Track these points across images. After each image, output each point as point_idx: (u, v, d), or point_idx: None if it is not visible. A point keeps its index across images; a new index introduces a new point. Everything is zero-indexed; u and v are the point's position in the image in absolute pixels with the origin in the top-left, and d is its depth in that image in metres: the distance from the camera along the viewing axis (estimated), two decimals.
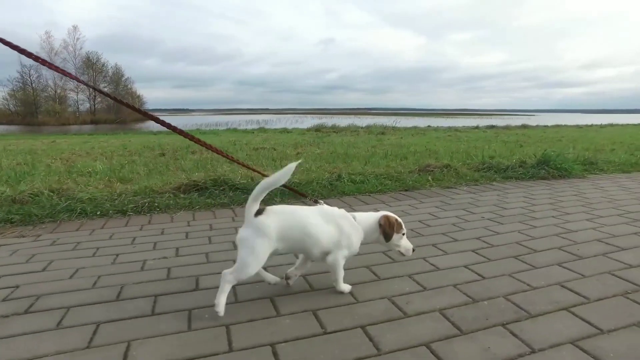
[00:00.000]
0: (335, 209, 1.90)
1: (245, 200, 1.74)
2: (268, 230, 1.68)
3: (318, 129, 16.77)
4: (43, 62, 1.73)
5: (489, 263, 2.31)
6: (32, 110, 48.40)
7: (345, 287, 1.92)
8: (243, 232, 1.70)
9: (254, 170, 2.18)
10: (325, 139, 12.01)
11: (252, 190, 1.71)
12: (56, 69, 1.81)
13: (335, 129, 16.45)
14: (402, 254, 1.99)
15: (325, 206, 1.91)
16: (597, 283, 2.03)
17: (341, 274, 1.89)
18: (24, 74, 50.04)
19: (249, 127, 23.36)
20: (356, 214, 1.93)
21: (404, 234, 1.98)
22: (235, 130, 18.85)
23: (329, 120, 24.19)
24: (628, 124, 24.46)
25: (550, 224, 3.08)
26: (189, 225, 3.15)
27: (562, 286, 1.99)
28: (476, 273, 2.17)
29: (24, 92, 49.87)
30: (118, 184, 4.55)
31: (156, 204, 3.67)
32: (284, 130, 17.29)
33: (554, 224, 3.09)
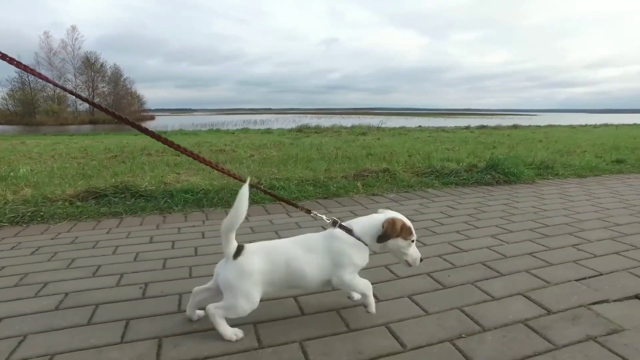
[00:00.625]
0: (323, 232, 1.71)
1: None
2: (253, 273, 1.53)
3: (300, 129, 16.48)
4: (24, 68, 1.60)
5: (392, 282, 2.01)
6: (30, 110, 48.54)
7: (372, 301, 1.70)
8: (226, 274, 1.54)
9: (222, 171, 1.83)
10: (302, 139, 11.73)
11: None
12: (31, 71, 1.67)
13: (317, 130, 16.15)
14: (409, 264, 1.74)
15: (309, 234, 1.72)
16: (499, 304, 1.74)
17: (363, 287, 1.67)
18: (22, 74, 50.19)
19: (240, 127, 23.10)
20: (355, 222, 1.71)
21: (413, 241, 1.72)
22: (217, 130, 18.59)
23: (327, 121, 23.93)
24: (623, 124, 23.91)
25: (440, 242, 2.75)
26: (53, 239, 2.88)
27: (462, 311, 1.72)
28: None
29: (23, 92, 50.05)
30: (26, 190, 4.29)
31: (42, 213, 3.41)
32: (266, 131, 17.00)
33: (447, 240, 2.77)
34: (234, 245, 1.53)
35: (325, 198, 4.06)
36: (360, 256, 1.66)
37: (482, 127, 20.84)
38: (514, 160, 5.23)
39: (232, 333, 1.55)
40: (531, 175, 5.21)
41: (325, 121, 22.57)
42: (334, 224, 1.70)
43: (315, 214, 1.82)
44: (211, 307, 1.54)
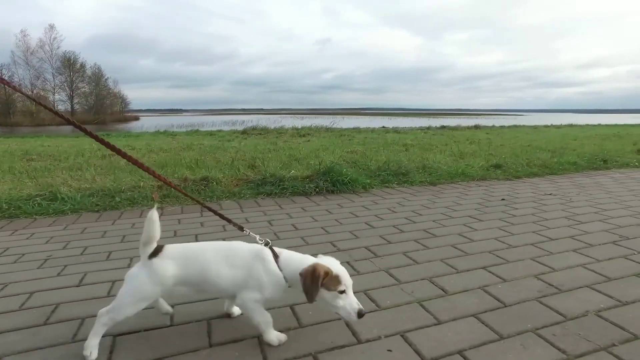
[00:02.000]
0: (254, 247, 1.61)
1: None
2: (163, 277, 1.51)
3: (245, 131, 16.15)
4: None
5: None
6: (5, 111, 47.81)
7: (274, 337, 1.57)
8: (134, 270, 1.54)
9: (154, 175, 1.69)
10: (231, 142, 11.40)
11: None
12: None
13: (261, 131, 15.83)
14: (343, 318, 1.52)
15: (239, 245, 1.63)
16: None
17: (260, 319, 1.55)
18: None
19: (216, 127, 22.54)
20: (286, 254, 1.60)
21: (342, 292, 1.48)
22: (165, 132, 18.18)
23: (301, 121, 23.52)
24: (588, 124, 23.74)
25: None
26: None
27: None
28: None
29: None
30: None
31: None
32: (209, 134, 16.56)
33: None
34: (149, 249, 1.52)
35: (97, 212, 3.73)
36: (274, 289, 1.53)
37: (443, 127, 20.58)
38: (338, 169, 4.79)
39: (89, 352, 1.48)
40: (377, 183, 4.92)
41: (298, 121, 22.22)
42: (266, 244, 1.61)
43: (247, 231, 1.72)
44: (102, 313, 1.50)
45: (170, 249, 1.55)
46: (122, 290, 1.51)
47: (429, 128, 20.17)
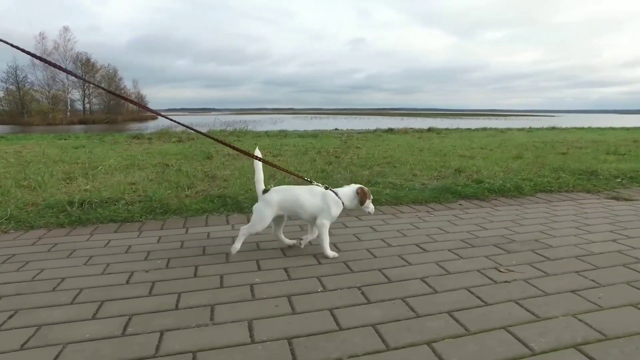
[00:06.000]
0: (321, 187, 2.42)
1: None
2: (272, 203, 2.30)
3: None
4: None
5: None
6: (19, 111, 48.35)
7: (330, 253, 2.34)
8: (257, 205, 2.34)
9: None
10: (154, 147, 9.73)
11: None
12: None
13: (240, 134, 14.17)
14: (370, 213, 2.54)
15: (315, 186, 2.43)
16: None
17: (325, 238, 2.33)
18: (9, 74, 50.08)
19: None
20: (338, 189, 2.43)
21: (370, 199, 2.49)
22: (137, 136, 16.72)
23: (320, 122, 21.67)
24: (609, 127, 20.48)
25: None
26: None
27: None
28: None
29: (8, 92, 49.77)
30: None
31: None
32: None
33: None
34: (261, 187, 2.35)
35: None
36: (337, 208, 2.37)
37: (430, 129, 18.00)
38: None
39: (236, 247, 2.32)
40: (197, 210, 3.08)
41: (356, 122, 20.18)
42: (326, 188, 2.42)
43: (314, 183, 2.50)
44: (242, 228, 2.34)
45: (275, 188, 2.37)
46: (253, 217, 2.32)
47: (419, 129, 17.76)
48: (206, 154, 6.78)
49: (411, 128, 16.71)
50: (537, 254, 2.38)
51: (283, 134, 13.63)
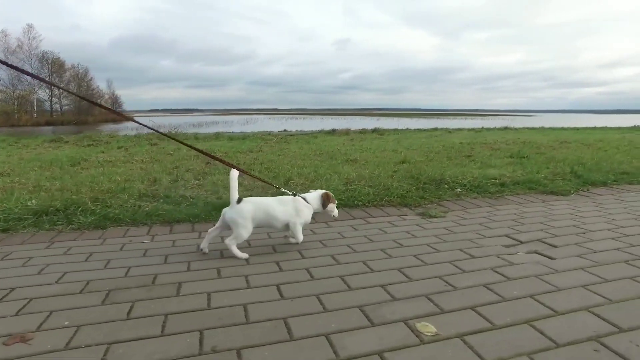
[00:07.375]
0: (289, 195, 2.54)
1: None
2: (246, 214, 2.35)
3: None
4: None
5: None
6: None
7: (301, 238, 2.53)
8: (232, 215, 2.35)
9: None
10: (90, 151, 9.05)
11: None
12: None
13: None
14: (335, 217, 2.72)
15: (283, 196, 2.54)
16: None
17: (299, 235, 2.51)
18: None
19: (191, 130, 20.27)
20: (305, 194, 2.59)
21: (335, 203, 2.68)
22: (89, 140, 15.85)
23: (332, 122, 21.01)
24: (570, 127, 20.41)
25: None
26: None
27: None
28: None
29: None
30: None
31: None
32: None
33: None
34: (235, 196, 2.35)
35: None
36: (307, 212, 2.53)
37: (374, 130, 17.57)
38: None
39: (242, 255, 2.37)
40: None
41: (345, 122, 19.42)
42: (294, 195, 2.55)
43: (286, 191, 2.59)
44: (229, 240, 2.35)
45: (247, 199, 2.41)
46: (234, 228, 2.34)
47: (395, 130, 17.26)
48: (76, 160, 6.15)
49: (362, 129, 16.24)
50: None
51: (220, 136, 13.02)
